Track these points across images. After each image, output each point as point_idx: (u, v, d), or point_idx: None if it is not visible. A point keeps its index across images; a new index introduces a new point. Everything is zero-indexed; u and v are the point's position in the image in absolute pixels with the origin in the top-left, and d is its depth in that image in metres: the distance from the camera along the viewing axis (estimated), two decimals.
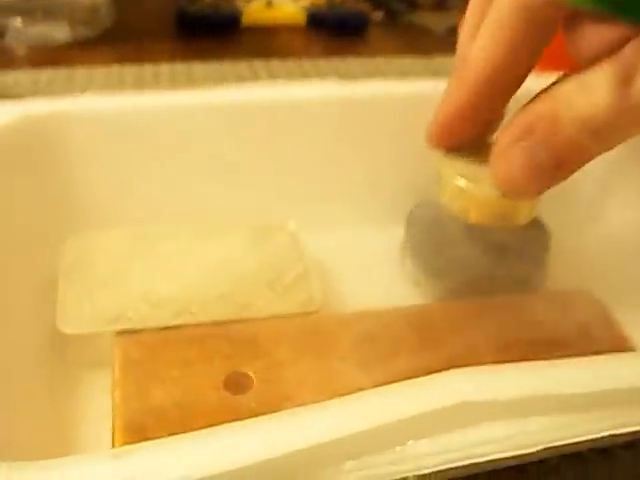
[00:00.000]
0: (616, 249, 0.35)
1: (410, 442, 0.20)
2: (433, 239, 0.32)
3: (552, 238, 0.33)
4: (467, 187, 0.30)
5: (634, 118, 0.20)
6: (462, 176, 0.30)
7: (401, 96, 0.35)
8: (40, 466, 0.18)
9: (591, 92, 0.20)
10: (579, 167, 0.22)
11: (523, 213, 0.30)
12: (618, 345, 0.29)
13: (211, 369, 0.27)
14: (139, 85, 0.50)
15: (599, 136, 0.20)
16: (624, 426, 0.21)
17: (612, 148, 0.21)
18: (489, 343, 0.29)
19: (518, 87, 0.24)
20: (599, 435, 0.21)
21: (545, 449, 0.20)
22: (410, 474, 0.19)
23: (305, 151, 0.35)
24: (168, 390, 0.26)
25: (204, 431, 0.20)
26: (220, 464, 0.18)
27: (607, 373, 0.21)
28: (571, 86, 0.20)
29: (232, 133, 0.34)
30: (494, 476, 0.27)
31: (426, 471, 0.20)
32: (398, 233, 0.34)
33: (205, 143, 0.34)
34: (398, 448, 0.20)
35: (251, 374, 0.26)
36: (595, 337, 0.29)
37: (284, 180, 0.35)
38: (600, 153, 0.21)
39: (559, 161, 0.22)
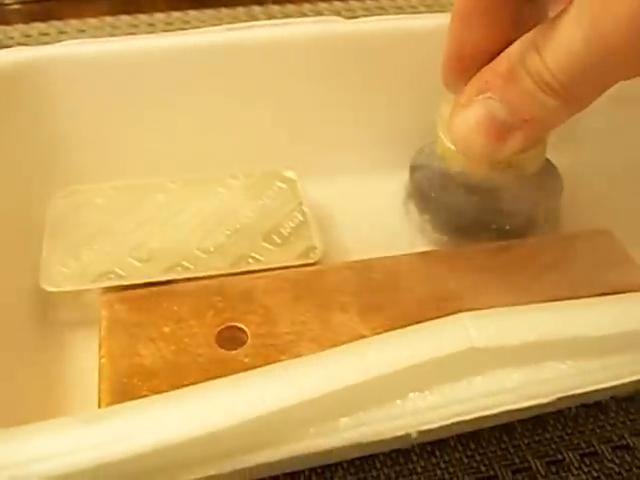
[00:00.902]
0: (630, 188, 0.33)
1: (411, 395, 0.18)
2: (436, 185, 0.30)
3: (563, 181, 0.31)
4: None
5: (593, 70, 0.18)
6: None
7: (403, 33, 0.32)
8: (16, 433, 0.17)
9: (550, 39, 0.19)
10: (545, 128, 0.22)
11: (529, 162, 0.28)
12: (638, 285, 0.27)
13: (203, 325, 0.25)
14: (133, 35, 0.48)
15: (558, 90, 0.19)
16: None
17: (579, 109, 0.20)
18: (501, 287, 0.27)
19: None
20: (620, 382, 0.19)
21: (561, 398, 0.19)
22: (412, 430, 0.18)
23: (304, 95, 0.33)
24: (157, 348, 0.24)
25: (186, 389, 0.18)
26: (201, 425, 0.17)
27: (627, 314, 0.19)
28: (527, 40, 0.20)
29: (225, 76, 0.32)
30: (508, 429, 0.26)
31: (430, 426, 0.18)
32: (402, 179, 0.31)
33: (197, 88, 0.32)
34: (398, 401, 0.18)
35: (245, 328, 0.25)
36: (615, 277, 0.27)
37: (282, 126, 0.32)
38: (569, 114, 0.21)
39: (517, 116, 0.21)
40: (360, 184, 0.33)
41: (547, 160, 0.31)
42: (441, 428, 0.18)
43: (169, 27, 0.49)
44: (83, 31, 0.48)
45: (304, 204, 0.30)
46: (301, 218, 0.29)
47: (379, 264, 0.27)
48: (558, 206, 0.31)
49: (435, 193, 0.30)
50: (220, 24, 0.47)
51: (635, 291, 0.21)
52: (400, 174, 0.32)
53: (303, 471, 0.24)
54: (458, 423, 0.18)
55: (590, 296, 0.20)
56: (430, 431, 0.18)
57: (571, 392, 0.19)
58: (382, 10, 0.53)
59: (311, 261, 0.27)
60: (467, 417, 0.18)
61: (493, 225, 0.29)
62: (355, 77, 0.33)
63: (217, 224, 0.29)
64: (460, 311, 0.19)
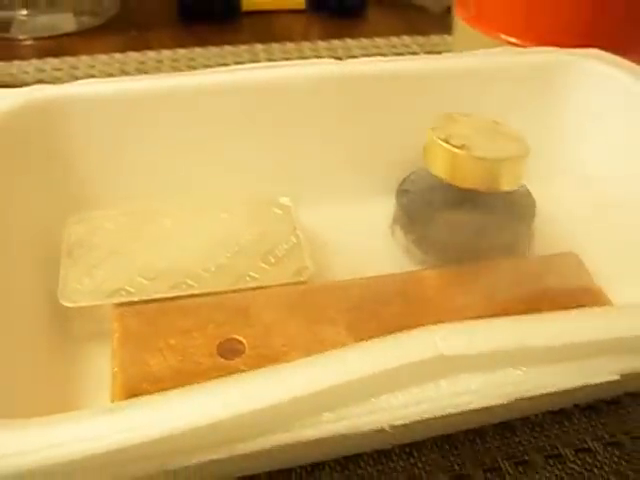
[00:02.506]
0: (600, 213, 0.36)
1: (385, 394, 0.21)
2: (422, 208, 0.33)
3: (537, 205, 0.34)
4: (453, 152, 0.31)
5: None
6: (448, 143, 0.31)
7: (392, 73, 0.35)
8: (37, 423, 0.19)
9: None
10: None
11: (509, 178, 0.32)
12: (599, 303, 0.29)
13: (205, 337, 0.28)
14: (141, 72, 0.51)
15: None
16: (596, 377, 0.22)
17: None
18: (477, 307, 0.29)
19: None
20: (568, 387, 0.22)
21: (525, 404, 0.21)
22: (385, 424, 0.20)
23: (298, 130, 0.36)
24: (164, 357, 0.27)
25: (190, 387, 0.21)
26: (203, 417, 0.19)
27: (578, 326, 0.22)
28: None
29: (228, 113, 0.35)
30: (480, 433, 0.28)
31: (401, 422, 0.21)
32: (389, 205, 0.35)
33: (202, 123, 0.35)
34: (373, 400, 0.21)
35: (243, 340, 0.28)
36: (578, 297, 0.30)
37: (278, 158, 0.36)
38: None
39: None
40: (350, 210, 0.36)
41: (522, 185, 0.34)
42: (411, 424, 0.21)
43: (175, 63, 0.52)
44: (93, 66, 0.51)
45: (297, 228, 0.33)
46: (295, 241, 0.32)
47: (365, 283, 0.30)
48: (532, 229, 0.34)
49: (420, 215, 0.33)
50: (223, 61, 0.51)
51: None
52: (387, 201, 0.35)
53: (295, 469, 0.27)
54: (426, 420, 0.21)
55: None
56: (401, 426, 0.21)
57: (526, 395, 0.21)
58: (377, 48, 0.56)
59: (303, 279, 0.30)
60: (434, 414, 0.21)
61: (470, 245, 0.32)
62: (346, 113, 0.36)
63: (219, 246, 0.32)
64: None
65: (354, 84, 0.35)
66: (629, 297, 0.29)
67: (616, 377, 0.22)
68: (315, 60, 0.36)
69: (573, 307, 0.24)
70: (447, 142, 0.31)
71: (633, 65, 0.37)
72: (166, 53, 0.54)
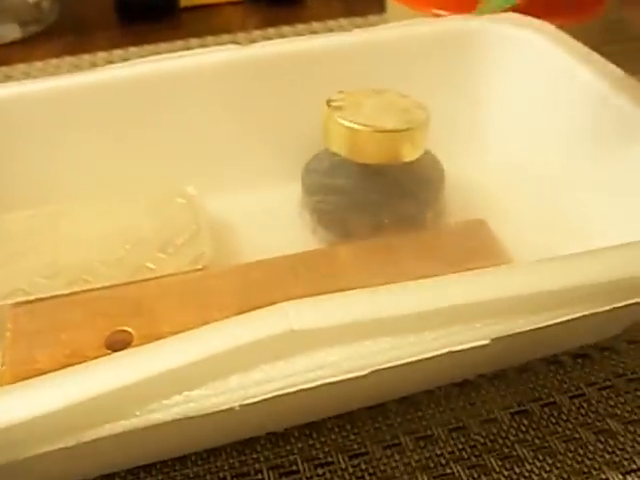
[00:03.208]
0: (504, 178, 0.35)
1: (236, 373, 0.20)
2: (324, 187, 0.33)
3: (445, 172, 0.33)
4: (349, 127, 0.30)
5: None
6: (344, 117, 0.30)
7: (291, 53, 0.35)
8: None
9: None
10: None
11: (409, 149, 0.31)
12: None
13: (95, 329, 0.27)
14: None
15: None
16: (460, 343, 0.22)
17: None
18: (375, 280, 0.29)
19: None
20: (429, 355, 0.21)
21: (374, 372, 0.21)
22: (235, 404, 0.20)
23: (202, 117, 0.35)
24: (53, 353, 0.27)
25: (45, 376, 0.20)
26: (50, 404, 0.19)
27: (438, 293, 0.22)
28: None
29: (130, 106, 0.34)
30: (384, 411, 0.28)
31: (252, 400, 0.20)
32: (297, 187, 0.34)
33: (102, 119, 0.34)
34: (223, 380, 0.20)
35: (132, 331, 0.27)
36: (483, 263, 0.29)
37: (182, 147, 0.35)
38: None
39: None
40: (259, 196, 0.35)
41: (429, 153, 0.33)
42: (263, 401, 0.20)
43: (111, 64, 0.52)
44: (28, 74, 0.51)
45: (200, 215, 0.32)
46: (194, 228, 0.32)
47: (259, 266, 0.30)
48: (441, 198, 0.33)
49: (322, 195, 0.33)
50: None
51: None
52: (296, 184, 0.34)
53: (190, 456, 0.27)
54: (280, 396, 0.20)
55: None
56: (253, 405, 0.20)
57: (383, 366, 0.21)
58: (314, 33, 0.55)
59: (199, 266, 0.30)
60: (287, 390, 0.20)
61: (377, 220, 0.32)
62: (250, 98, 0.35)
63: (118, 240, 0.31)
64: None
65: (255, 67, 0.35)
66: None
67: (485, 342, 0.22)
68: (217, 47, 0.36)
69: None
70: (343, 117, 0.31)
71: (553, 29, 0.36)
72: (101, 55, 0.54)
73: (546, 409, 0.28)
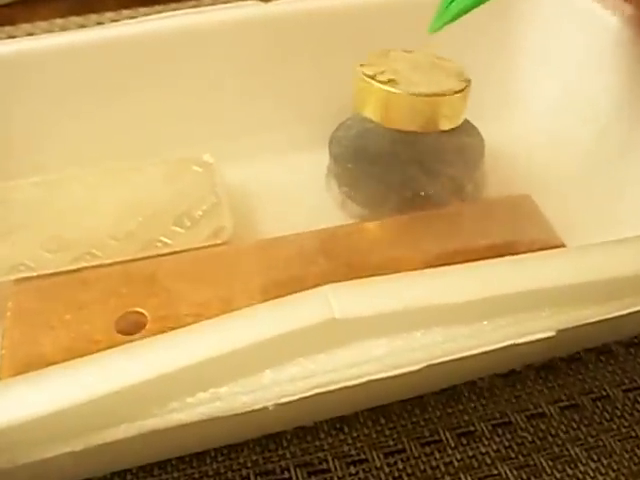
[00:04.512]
0: (546, 148, 0.32)
1: (270, 368, 0.18)
2: (354, 156, 0.30)
3: (484, 143, 0.30)
4: (382, 90, 0.27)
5: None
6: (377, 80, 0.27)
7: (316, 12, 0.32)
8: None
9: None
10: None
11: (448, 116, 0.28)
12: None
13: (105, 311, 0.25)
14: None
15: None
16: (523, 335, 0.19)
17: None
18: (414, 259, 0.26)
19: None
20: (490, 348, 0.18)
21: (430, 366, 0.18)
22: (269, 403, 0.17)
23: (220, 80, 0.32)
24: (57, 336, 0.24)
25: (48, 369, 0.18)
26: (51, 403, 0.17)
27: (494, 279, 0.19)
28: None
29: (142, 67, 0.32)
30: (421, 403, 0.25)
31: (288, 399, 0.18)
32: (324, 157, 0.31)
33: (113, 79, 0.32)
34: (256, 375, 0.18)
35: (145, 312, 0.25)
36: (531, 241, 0.26)
37: (200, 112, 0.32)
38: None
39: None
40: (282, 163, 0.32)
41: (468, 122, 0.30)
42: (302, 400, 0.18)
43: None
44: (32, 34, 0.48)
45: (219, 186, 0.29)
46: (214, 200, 0.29)
47: (286, 241, 0.27)
48: (481, 169, 0.30)
49: (352, 164, 0.30)
50: None
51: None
52: (322, 152, 0.31)
53: (209, 452, 0.24)
54: (320, 394, 0.18)
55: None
56: (289, 404, 0.18)
57: (440, 360, 0.18)
58: None
59: (219, 241, 0.27)
60: (329, 388, 0.18)
61: (412, 193, 0.29)
62: (271, 59, 0.32)
63: (130, 211, 0.29)
64: None
65: (278, 25, 0.32)
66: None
67: (551, 334, 0.19)
68: (235, 3, 0.33)
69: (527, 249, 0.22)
70: (376, 79, 0.28)
71: None
72: (109, 15, 0.50)
73: (598, 403, 0.26)
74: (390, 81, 0.28)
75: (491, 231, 0.28)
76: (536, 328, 0.19)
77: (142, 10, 0.51)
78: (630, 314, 0.20)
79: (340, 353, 0.18)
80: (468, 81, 0.29)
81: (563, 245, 0.27)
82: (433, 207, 0.29)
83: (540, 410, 0.26)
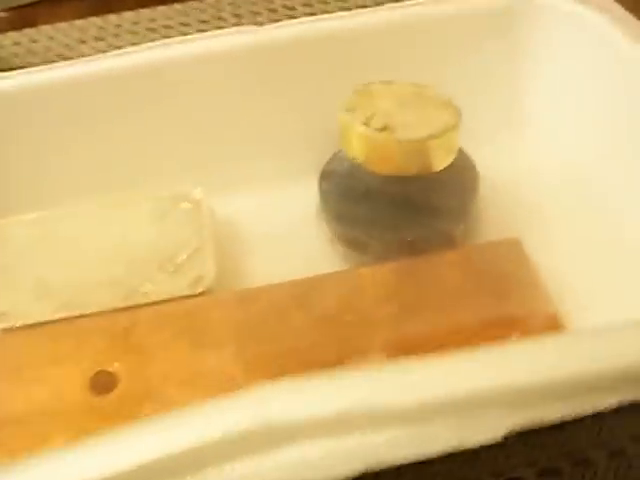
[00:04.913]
0: (545, 181, 0.31)
1: (201, 472, 0.18)
2: (343, 196, 0.29)
3: (478, 176, 0.29)
4: (372, 137, 0.26)
5: None
6: (363, 123, 0.27)
7: (310, 36, 0.31)
8: None
9: None
10: None
11: (439, 156, 0.27)
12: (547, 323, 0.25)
13: (80, 367, 0.25)
14: (101, 39, 0.48)
15: None
16: (463, 441, 0.18)
17: None
18: (387, 319, 0.26)
19: None
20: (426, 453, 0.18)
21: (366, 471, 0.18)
22: None
23: (209, 109, 0.32)
24: (31, 393, 0.25)
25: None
26: None
27: (449, 376, 0.18)
28: None
29: (125, 99, 0.31)
30: None
31: None
32: (315, 190, 0.30)
33: (104, 114, 0.31)
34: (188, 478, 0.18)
35: (119, 370, 0.25)
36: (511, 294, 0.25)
37: (189, 144, 0.32)
38: None
39: None
40: (272, 197, 0.32)
41: (462, 152, 0.29)
42: None
43: (135, 27, 0.49)
44: (52, 38, 0.48)
45: (206, 227, 0.29)
46: (198, 244, 0.28)
47: (263, 294, 0.27)
48: (473, 208, 0.29)
49: (340, 203, 0.29)
50: (187, 20, 0.47)
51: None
52: (313, 185, 0.30)
53: None
54: None
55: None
56: None
57: (376, 463, 0.18)
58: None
59: (200, 290, 0.27)
60: None
61: (399, 238, 0.28)
62: (260, 88, 0.32)
63: (116, 254, 0.29)
64: (342, 343, 0.22)
65: (268, 54, 0.31)
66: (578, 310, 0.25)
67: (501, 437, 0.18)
68: (227, 31, 0.32)
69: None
70: (360, 120, 0.27)
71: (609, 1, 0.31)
72: (127, 16, 0.50)
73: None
74: (385, 128, 0.27)
75: (476, 282, 0.27)
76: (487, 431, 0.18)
77: (160, 9, 0.50)
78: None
79: (273, 456, 0.18)
80: (458, 112, 0.27)
81: (551, 315, 0.25)
82: (420, 252, 0.27)
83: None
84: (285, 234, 0.30)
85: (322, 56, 0.31)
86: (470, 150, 0.29)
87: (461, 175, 0.29)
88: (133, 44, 0.33)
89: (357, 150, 0.28)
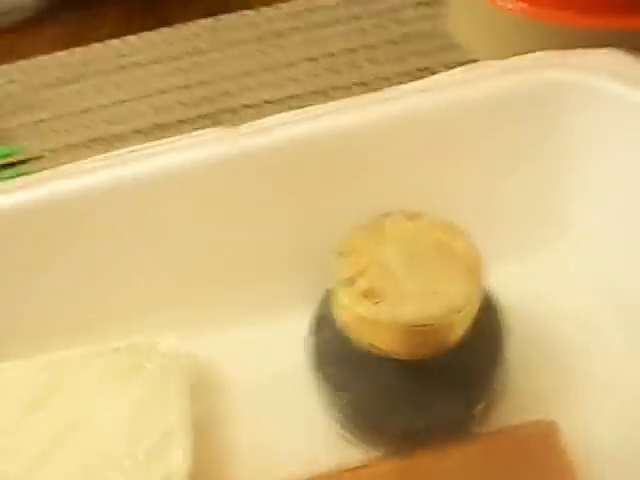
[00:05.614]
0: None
1: None
2: (335, 363, 0.24)
3: (503, 330, 0.23)
4: (357, 312, 0.22)
5: None
6: (350, 280, 0.22)
7: (298, 139, 0.25)
8: None
9: None
10: None
11: (453, 333, 0.22)
12: None
13: None
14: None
15: None
16: None
17: None
18: None
19: None
20: None
21: None
22: None
23: (189, 233, 0.27)
24: None
25: None
26: None
27: None
28: None
29: (95, 225, 0.27)
30: None
31: None
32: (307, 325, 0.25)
33: (64, 246, 0.27)
34: None
35: None
36: None
37: (168, 273, 0.27)
38: None
39: None
40: (260, 334, 0.27)
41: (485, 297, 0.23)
42: None
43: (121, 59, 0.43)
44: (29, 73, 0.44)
45: (180, 395, 0.25)
46: (166, 426, 0.24)
47: None
48: (495, 379, 0.24)
49: (334, 368, 0.24)
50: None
51: None
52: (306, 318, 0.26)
53: None
54: None
55: None
56: None
57: None
58: None
59: None
60: None
61: (401, 428, 0.23)
62: (244, 207, 0.27)
63: (72, 441, 0.25)
64: None
65: (250, 163, 0.26)
66: None
67: None
68: (201, 136, 0.26)
69: None
70: (349, 280, 0.22)
71: None
72: (113, 43, 0.44)
73: None
74: (370, 295, 0.22)
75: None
76: None
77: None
78: None
79: None
80: (479, 272, 0.22)
81: None
82: (434, 441, 0.23)
83: None
84: (274, 400, 0.26)
85: (313, 162, 0.26)
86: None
87: (481, 341, 0.23)
88: None
89: (339, 317, 0.23)
